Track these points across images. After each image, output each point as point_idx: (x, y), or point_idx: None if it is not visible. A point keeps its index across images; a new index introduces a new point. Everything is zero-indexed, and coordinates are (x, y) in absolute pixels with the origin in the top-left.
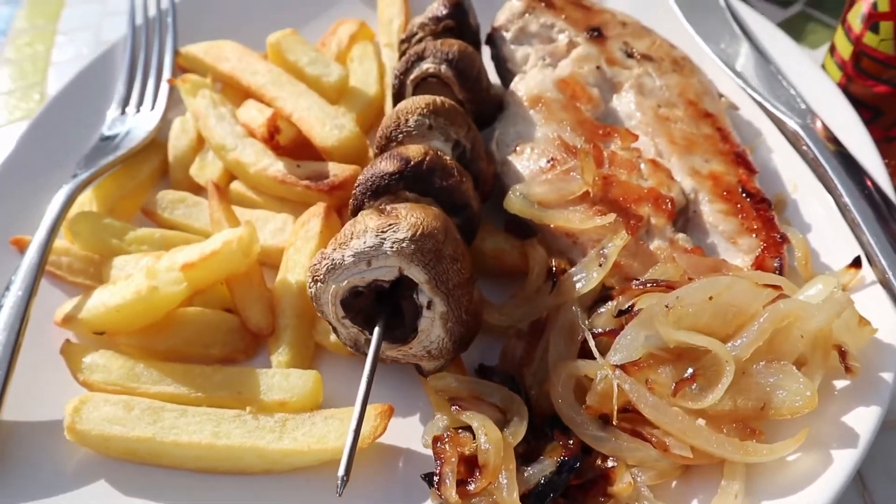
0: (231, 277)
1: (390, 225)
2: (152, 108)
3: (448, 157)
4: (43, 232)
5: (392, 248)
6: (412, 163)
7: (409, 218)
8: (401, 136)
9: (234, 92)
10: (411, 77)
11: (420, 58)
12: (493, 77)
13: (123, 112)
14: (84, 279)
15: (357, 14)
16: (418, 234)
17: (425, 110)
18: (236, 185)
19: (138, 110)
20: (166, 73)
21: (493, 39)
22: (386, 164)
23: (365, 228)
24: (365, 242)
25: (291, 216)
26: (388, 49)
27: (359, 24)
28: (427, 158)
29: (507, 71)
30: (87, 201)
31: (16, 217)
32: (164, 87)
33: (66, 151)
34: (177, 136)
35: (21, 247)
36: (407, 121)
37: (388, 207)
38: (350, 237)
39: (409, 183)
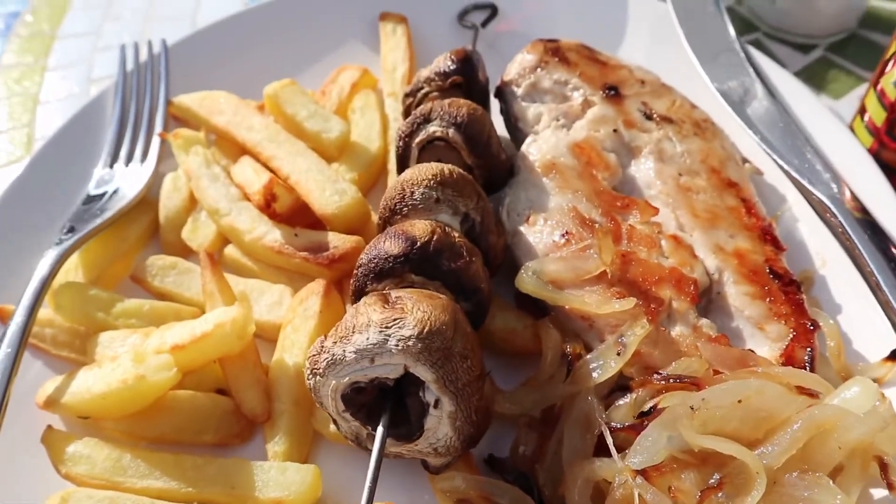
0: (224, 357)
1: (395, 320)
2: (142, 162)
3: (456, 234)
4: (25, 306)
5: (397, 346)
6: (418, 244)
7: (415, 312)
8: (405, 209)
9: (229, 144)
10: (417, 140)
11: (426, 119)
12: (500, 127)
13: (111, 167)
14: (69, 353)
15: (359, 58)
16: (426, 331)
17: (432, 182)
18: (231, 251)
19: (127, 165)
20: (158, 126)
21: (503, 94)
22: (390, 245)
23: (368, 322)
24: (368, 339)
25: (289, 287)
26: (392, 99)
27: (361, 71)
28: (434, 238)
29: (518, 130)
30: (72, 268)
31: None
32: (156, 141)
33: (52, 210)
34: (168, 194)
35: (2, 318)
36: (412, 193)
37: (394, 296)
38: (352, 331)
39: (415, 266)
